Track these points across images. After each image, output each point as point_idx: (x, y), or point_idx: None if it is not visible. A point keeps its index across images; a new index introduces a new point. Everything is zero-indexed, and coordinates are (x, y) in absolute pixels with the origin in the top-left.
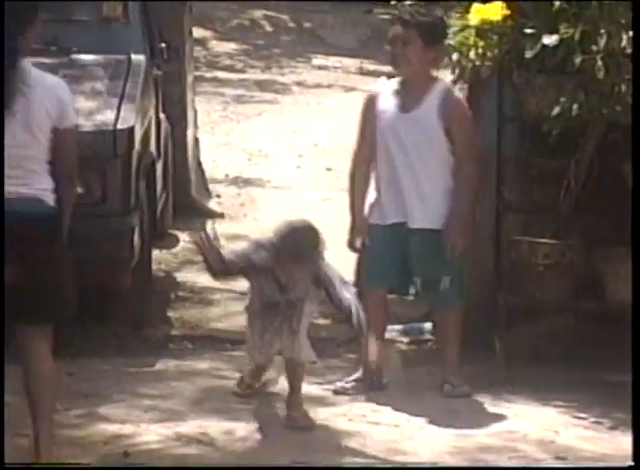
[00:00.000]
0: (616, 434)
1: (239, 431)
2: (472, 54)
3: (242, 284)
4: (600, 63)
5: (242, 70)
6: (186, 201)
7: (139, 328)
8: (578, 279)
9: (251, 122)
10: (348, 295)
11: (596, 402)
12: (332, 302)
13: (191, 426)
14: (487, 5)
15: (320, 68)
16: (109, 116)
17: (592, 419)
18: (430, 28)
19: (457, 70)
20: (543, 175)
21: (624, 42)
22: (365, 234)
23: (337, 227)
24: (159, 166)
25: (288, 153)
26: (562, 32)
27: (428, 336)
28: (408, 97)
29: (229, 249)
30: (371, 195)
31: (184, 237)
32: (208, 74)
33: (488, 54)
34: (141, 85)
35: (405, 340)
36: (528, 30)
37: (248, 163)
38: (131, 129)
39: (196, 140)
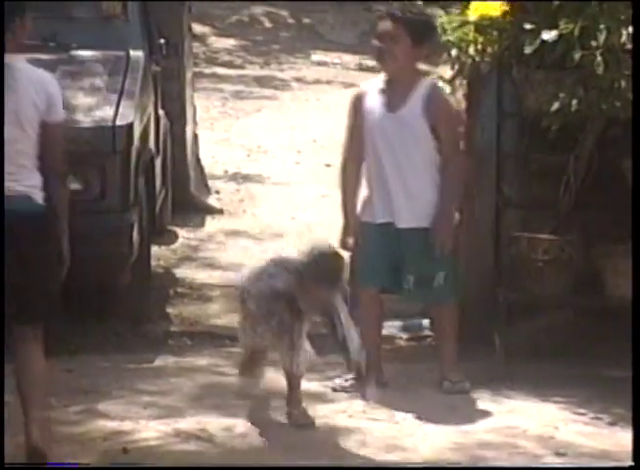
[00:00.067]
0: (615, 430)
1: (238, 427)
2: (471, 50)
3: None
4: (599, 58)
5: (241, 67)
6: (185, 197)
7: (138, 324)
8: (578, 275)
9: (251, 118)
10: (355, 335)
11: (595, 398)
12: (334, 335)
13: (190, 422)
14: (487, 2)
15: (319, 64)
16: (108, 112)
17: (592, 415)
18: (418, 27)
19: (456, 66)
20: (543, 171)
21: (624, 38)
22: (357, 233)
23: (336, 223)
24: (158, 163)
25: (287, 149)
26: (561, 28)
27: (427, 332)
28: (394, 96)
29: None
30: (363, 192)
31: (183, 233)
32: (207, 70)
33: (488, 50)
34: (140, 81)
35: (404, 336)
36: (528, 26)
37: (247, 159)
38: (130, 126)
39: (195, 136)
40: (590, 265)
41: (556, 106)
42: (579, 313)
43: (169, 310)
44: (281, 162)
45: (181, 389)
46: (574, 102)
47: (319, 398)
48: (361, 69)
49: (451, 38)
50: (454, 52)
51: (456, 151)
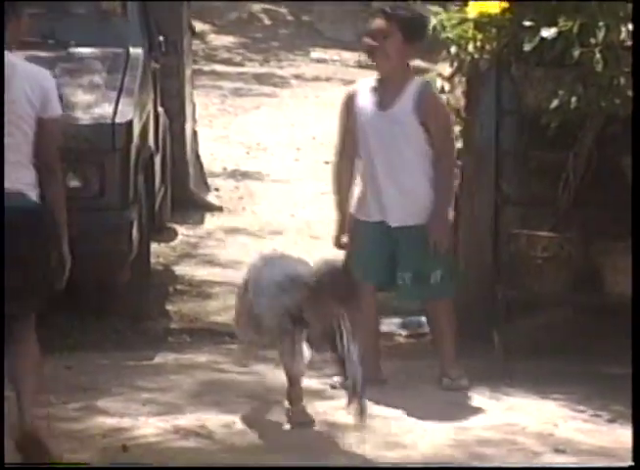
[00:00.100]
0: (614, 427)
1: (237, 424)
2: (470, 47)
3: (240, 277)
4: (598, 55)
5: (240, 64)
6: (184, 194)
7: (138, 322)
8: (577, 272)
9: (250, 116)
10: (355, 353)
11: (595, 395)
12: (333, 349)
13: (189, 419)
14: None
15: (318, 61)
16: (107, 109)
17: (591, 412)
18: (411, 24)
19: (455, 64)
20: (542, 168)
21: (623, 35)
22: (351, 231)
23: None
24: (157, 160)
25: (286, 146)
26: (560, 25)
27: (426, 329)
28: (385, 94)
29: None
30: (357, 190)
31: (182, 230)
32: (207, 68)
33: (487, 47)
34: (139, 79)
35: (404, 333)
36: (527, 23)
37: (246, 156)
38: (130, 123)
39: (194, 133)
40: (589, 263)
41: (555, 103)
42: (579, 311)
43: (169, 308)
44: (280, 159)
45: (181, 386)
46: (574, 99)
47: (318, 395)
48: (360, 66)
49: (450, 35)
50: (453, 49)
51: (448, 149)
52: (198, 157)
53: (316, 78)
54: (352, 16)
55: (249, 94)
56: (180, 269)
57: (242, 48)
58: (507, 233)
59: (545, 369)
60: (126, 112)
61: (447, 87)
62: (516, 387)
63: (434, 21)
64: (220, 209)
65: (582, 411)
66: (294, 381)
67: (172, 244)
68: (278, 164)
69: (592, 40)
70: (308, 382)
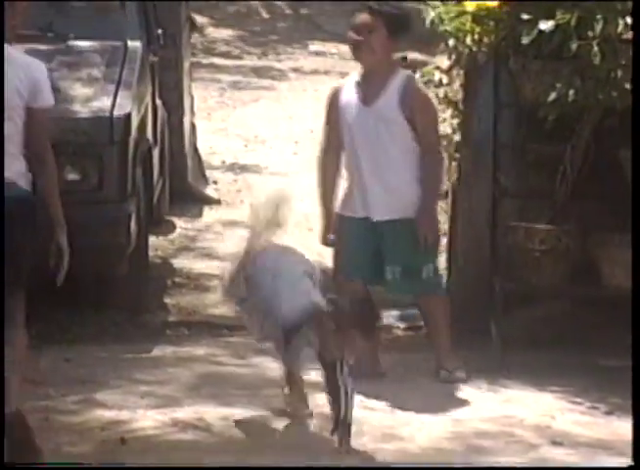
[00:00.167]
0: (611, 419)
1: (235, 417)
2: (468, 40)
3: None
4: (596, 48)
5: (238, 57)
6: (183, 187)
7: (136, 315)
8: (574, 264)
9: (248, 109)
10: (350, 388)
11: (592, 387)
12: (330, 381)
13: (188, 412)
14: None
15: (317, 54)
16: (105, 102)
17: (588, 404)
18: (395, 19)
19: (454, 57)
20: (539, 161)
21: (620, 27)
22: (337, 228)
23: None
24: (155, 153)
25: (284, 139)
26: (558, 18)
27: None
28: (369, 89)
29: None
30: (344, 186)
31: (181, 223)
32: (205, 61)
33: (485, 40)
34: (137, 72)
35: (402, 326)
36: (525, 16)
37: (244, 149)
38: (128, 116)
39: (192, 126)
40: (587, 255)
41: (553, 96)
42: (576, 303)
43: (167, 300)
44: (278, 152)
45: (179, 378)
46: (571, 92)
47: (317, 386)
48: None
49: (448, 28)
50: (451, 42)
51: (433, 143)
52: (196, 150)
53: (314, 72)
54: (351, 9)
55: (247, 87)
56: (178, 262)
57: (240, 41)
58: (505, 226)
59: (543, 361)
60: (125, 105)
61: (445, 80)
62: (513, 379)
63: (432, 13)
64: (218, 201)
65: (580, 403)
66: (294, 377)
67: (170, 237)
68: (276, 157)
69: (590, 33)
70: (307, 374)
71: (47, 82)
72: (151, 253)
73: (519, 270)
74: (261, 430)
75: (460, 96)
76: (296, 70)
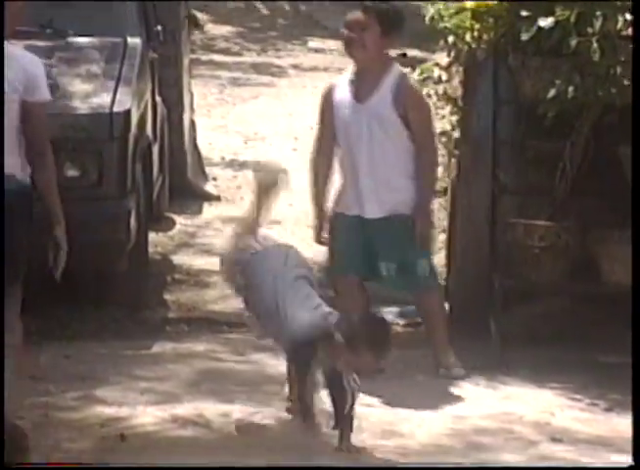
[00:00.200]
0: (611, 415)
1: (235, 413)
2: (468, 37)
3: None
4: (595, 45)
5: (238, 53)
6: (182, 184)
7: (136, 311)
8: (574, 261)
9: (248, 105)
10: (357, 393)
11: (592, 384)
12: (335, 391)
13: (187, 408)
14: None
15: (316, 51)
16: (105, 98)
17: (588, 401)
18: (388, 17)
19: (453, 53)
20: (539, 158)
21: (620, 24)
22: (331, 226)
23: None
24: (155, 149)
25: (284, 136)
26: (557, 15)
27: None
28: (362, 87)
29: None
30: (338, 183)
31: (180, 220)
32: (205, 57)
33: (484, 37)
34: (137, 68)
35: (401, 322)
36: (524, 13)
37: (244, 145)
38: (127, 112)
39: (192, 123)
40: (586, 252)
41: (552, 93)
42: (575, 299)
43: (167, 297)
44: (278, 148)
45: (178, 375)
46: (571, 89)
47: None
48: None
49: (448, 25)
50: (451, 39)
51: (428, 140)
52: (196, 146)
53: (314, 68)
54: (350, 5)
55: (247, 84)
56: (178, 259)
57: (240, 38)
58: (504, 222)
59: (542, 358)
60: (124, 101)
61: (445, 77)
62: (513, 376)
63: (431, 10)
64: (218, 198)
65: (579, 400)
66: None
67: (170, 233)
68: (276, 153)
69: (589, 30)
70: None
71: (44, 78)
72: (150, 249)
73: (518, 267)
74: (261, 428)
75: (459, 93)
76: (295, 66)
